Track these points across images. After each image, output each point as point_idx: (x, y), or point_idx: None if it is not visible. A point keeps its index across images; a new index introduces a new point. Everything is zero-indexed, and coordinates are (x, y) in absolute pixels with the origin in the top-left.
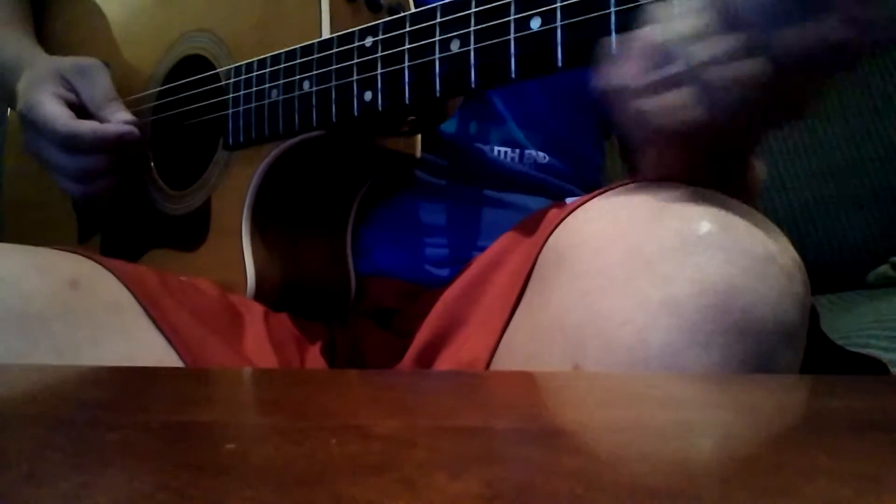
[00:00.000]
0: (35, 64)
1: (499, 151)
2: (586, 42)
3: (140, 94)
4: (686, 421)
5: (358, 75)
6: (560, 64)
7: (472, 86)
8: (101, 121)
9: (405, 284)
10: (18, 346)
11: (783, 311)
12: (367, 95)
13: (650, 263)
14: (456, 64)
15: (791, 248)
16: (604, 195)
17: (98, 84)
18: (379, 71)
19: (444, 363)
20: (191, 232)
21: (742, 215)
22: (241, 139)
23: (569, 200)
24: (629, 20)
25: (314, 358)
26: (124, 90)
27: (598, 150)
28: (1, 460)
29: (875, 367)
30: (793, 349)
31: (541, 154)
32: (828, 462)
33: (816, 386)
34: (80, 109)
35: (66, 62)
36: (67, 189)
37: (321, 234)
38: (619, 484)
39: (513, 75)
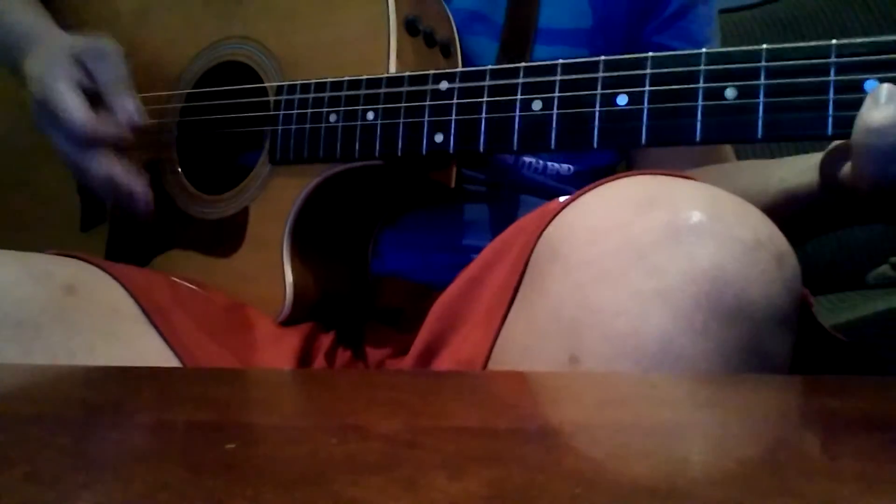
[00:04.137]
0: (48, 40)
1: (522, 162)
2: (673, 127)
3: (167, 92)
4: (685, 421)
5: (430, 116)
6: (644, 142)
7: (552, 146)
8: (111, 107)
9: (416, 285)
10: (13, 353)
11: (775, 295)
12: (439, 137)
13: (642, 254)
14: (536, 124)
15: (780, 234)
16: (595, 189)
17: (114, 68)
18: (454, 117)
19: (444, 363)
20: (223, 239)
21: (730, 203)
22: (292, 156)
23: (562, 198)
24: (716, 111)
25: (319, 361)
26: (146, 83)
27: (613, 155)
28: (1, 460)
29: (870, 358)
30: (785, 333)
31: (564, 166)
32: (828, 462)
33: (816, 386)
34: (94, 94)
35: (81, 42)
36: (84, 180)
37: (351, 249)
38: (619, 484)
39: (595, 145)
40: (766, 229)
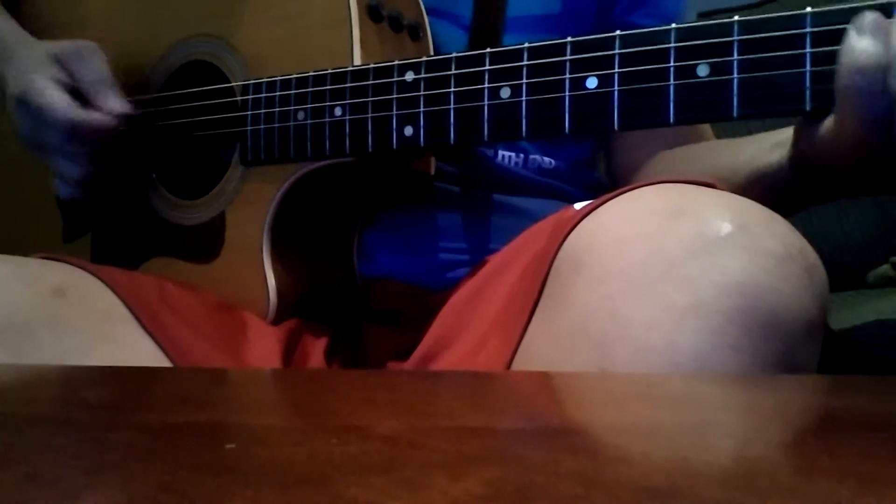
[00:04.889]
0: (25, 46)
1: (503, 156)
2: (645, 109)
3: (137, 97)
4: (686, 421)
5: (398, 110)
6: (617, 127)
7: (523, 135)
8: (96, 106)
9: (410, 287)
10: (4, 357)
11: (806, 308)
12: (408, 130)
13: (673, 266)
14: (506, 112)
15: (807, 244)
16: (617, 198)
17: (94, 67)
18: (422, 109)
19: (447, 365)
20: (202, 244)
21: (757, 213)
22: (263, 157)
23: (578, 205)
24: (689, 90)
25: (317, 360)
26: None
27: (591, 146)
28: (1, 460)
29: (870, 359)
30: (815, 344)
31: (546, 159)
32: (828, 462)
33: (817, 386)
34: (76, 94)
35: (61, 44)
36: (65, 174)
37: (333, 246)
38: (619, 484)
39: (567, 131)
40: (796, 241)
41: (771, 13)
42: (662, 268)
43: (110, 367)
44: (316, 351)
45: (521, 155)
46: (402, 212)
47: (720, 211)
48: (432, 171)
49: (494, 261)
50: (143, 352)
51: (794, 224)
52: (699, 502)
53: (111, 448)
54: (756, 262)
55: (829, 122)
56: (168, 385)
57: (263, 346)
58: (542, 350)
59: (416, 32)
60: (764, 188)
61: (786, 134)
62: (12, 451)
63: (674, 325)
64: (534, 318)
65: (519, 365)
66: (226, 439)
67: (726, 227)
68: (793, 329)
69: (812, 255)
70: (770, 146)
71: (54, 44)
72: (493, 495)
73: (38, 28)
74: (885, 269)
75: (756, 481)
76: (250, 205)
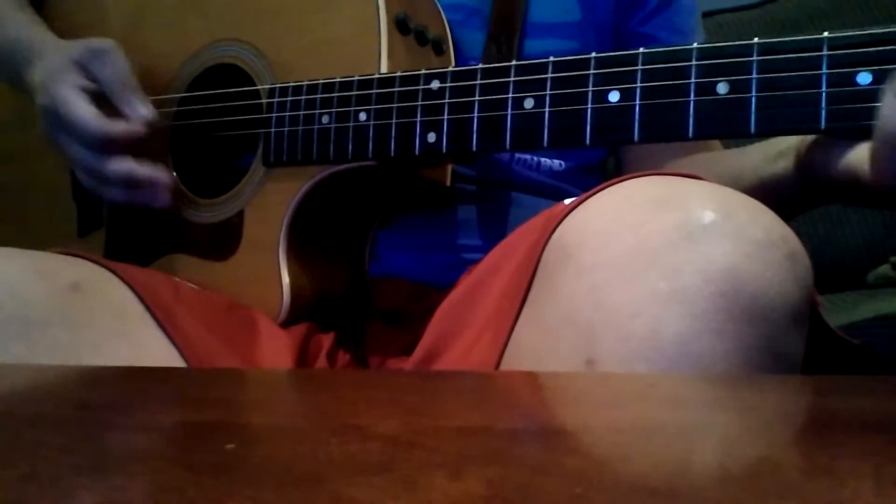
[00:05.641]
0: (49, 51)
1: (517, 159)
2: (665, 123)
3: (160, 97)
4: (686, 421)
5: (422, 116)
6: (637, 139)
7: (544, 144)
8: (120, 110)
9: (418, 286)
10: (19, 351)
11: (789, 293)
12: (431, 136)
13: (657, 255)
14: (528, 122)
15: (791, 233)
16: (604, 191)
17: (115, 68)
18: (446, 116)
19: (446, 366)
20: (219, 242)
21: (742, 203)
22: (285, 158)
23: (568, 201)
24: (708, 107)
25: (322, 361)
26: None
27: (601, 152)
28: (1, 460)
29: (871, 358)
30: (798, 331)
31: (555, 161)
32: (828, 462)
33: (817, 386)
34: (101, 96)
35: (78, 47)
36: (99, 192)
37: (348, 248)
38: (619, 484)
39: (587, 142)
40: (779, 228)
41: (772, 14)
42: (647, 257)
43: (110, 367)
44: (322, 352)
45: (535, 158)
46: (416, 213)
47: (704, 200)
48: (448, 183)
49: (490, 258)
50: (156, 349)
51: (797, 224)
52: (699, 502)
53: (111, 448)
54: (739, 248)
55: (860, 155)
56: (168, 386)
57: (275, 348)
58: (530, 342)
59: (439, 47)
60: (767, 196)
61: (787, 143)
62: (12, 451)
63: (657, 311)
64: (523, 311)
65: (508, 358)
66: (226, 439)
67: (710, 216)
68: (776, 315)
69: (795, 243)
70: (774, 155)
71: (73, 46)
72: (494, 495)
73: (61, 28)
74: (885, 269)
75: (756, 481)
76: (269, 204)
